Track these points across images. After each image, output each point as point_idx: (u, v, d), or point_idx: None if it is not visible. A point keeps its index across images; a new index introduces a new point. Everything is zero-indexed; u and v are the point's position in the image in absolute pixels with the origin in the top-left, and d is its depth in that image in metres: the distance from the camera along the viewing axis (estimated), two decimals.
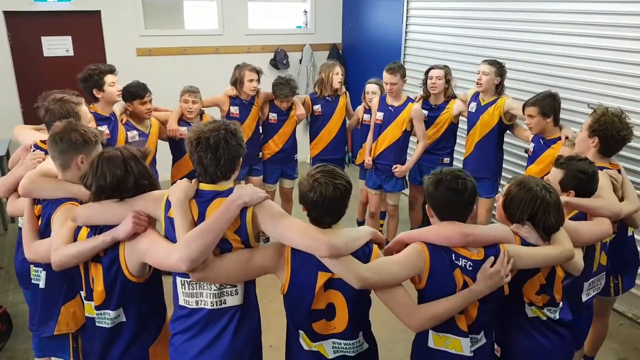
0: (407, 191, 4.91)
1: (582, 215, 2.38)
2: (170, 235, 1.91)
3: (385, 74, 4.13)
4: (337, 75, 4.48)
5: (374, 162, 4.37)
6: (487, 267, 1.87)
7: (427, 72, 4.33)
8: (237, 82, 4.33)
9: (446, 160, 4.42)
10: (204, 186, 1.92)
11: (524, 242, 2.03)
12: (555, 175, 2.39)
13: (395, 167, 4.27)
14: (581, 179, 2.33)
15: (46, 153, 2.44)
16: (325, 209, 1.86)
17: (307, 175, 1.90)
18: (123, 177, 1.93)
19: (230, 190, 1.90)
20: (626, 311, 3.89)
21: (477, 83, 4.02)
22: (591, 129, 2.67)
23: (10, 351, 3.43)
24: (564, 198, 2.26)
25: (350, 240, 1.85)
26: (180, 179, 4.16)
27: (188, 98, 4.05)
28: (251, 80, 4.29)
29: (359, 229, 1.96)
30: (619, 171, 2.71)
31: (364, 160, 4.54)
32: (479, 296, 1.87)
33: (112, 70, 3.56)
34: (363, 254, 1.88)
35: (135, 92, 3.80)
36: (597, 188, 2.39)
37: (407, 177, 4.56)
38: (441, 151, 4.41)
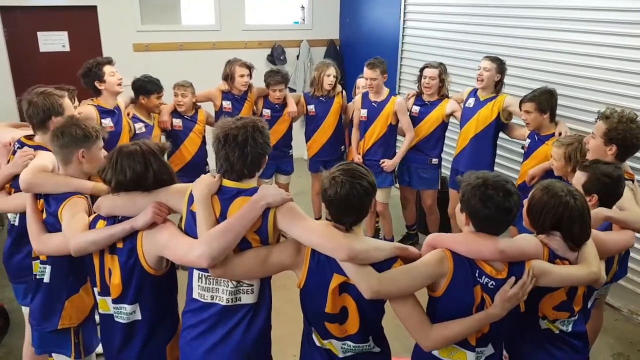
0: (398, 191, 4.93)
1: (607, 225, 2.33)
2: (190, 229, 1.91)
3: (365, 70, 4.14)
4: (328, 77, 4.41)
5: (363, 159, 4.38)
6: (506, 289, 1.79)
7: (421, 70, 4.31)
8: (228, 77, 4.33)
9: (434, 161, 4.40)
10: (227, 183, 1.92)
11: (552, 254, 1.95)
12: (579, 178, 2.35)
13: (383, 162, 4.29)
14: (605, 182, 2.27)
15: (35, 149, 2.44)
16: (342, 207, 1.83)
17: (330, 173, 1.88)
18: (143, 173, 1.94)
19: (253, 190, 1.89)
20: (622, 307, 3.91)
21: (477, 79, 4.01)
22: (607, 136, 2.60)
23: (8, 347, 3.42)
24: (604, 212, 2.23)
25: (372, 249, 1.81)
26: (177, 171, 4.24)
27: (177, 91, 4.11)
28: (242, 76, 4.28)
29: (385, 242, 1.92)
30: (633, 181, 2.66)
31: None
32: (495, 319, 1.81)
33: (109, 61, 3.60)
34: (384, 267, 1.82)
35: (152, 88, 3.90)
36: (622, 193, 2.33)
37: (395, 174, 4.56)
38: (430, 151, 4.38)
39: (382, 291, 1.78)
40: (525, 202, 2.08)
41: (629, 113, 2.65)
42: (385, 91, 4.24)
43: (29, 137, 2.55)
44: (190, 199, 1.91)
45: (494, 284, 1.82)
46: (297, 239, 1.89)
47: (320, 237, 1.81)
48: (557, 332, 2.05)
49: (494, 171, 4.20)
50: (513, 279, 1.81)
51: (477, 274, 1.82)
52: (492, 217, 1.80)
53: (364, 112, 4.29)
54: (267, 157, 1.97)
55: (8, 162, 2.52)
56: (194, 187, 1.91)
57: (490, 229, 1.84)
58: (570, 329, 2.06)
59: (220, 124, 1.93)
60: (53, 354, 2.49)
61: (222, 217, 1.87)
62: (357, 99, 4.36)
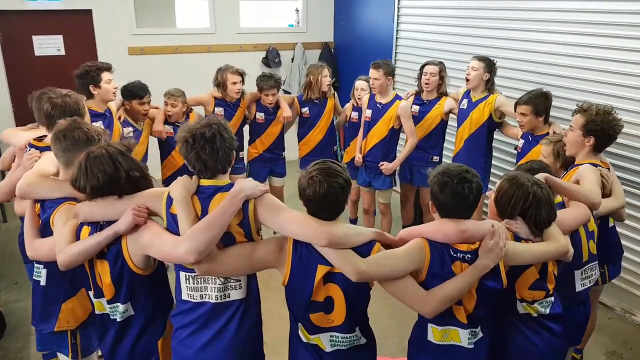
0: (398, 189, 4.96)
1: (560, 205, 2.42)
2: (173, 231, 1.93)
3: (370, 69, 4.18)
4: (325, 78, 4.49)
5: (363, 159, 4.41)
6: (487, 241, 1.89)
7: (422, 68, 4.36)
8: (220, 85, 4.33)
9: (435, 158, 4.44)
10: (204, 182, 1.96)
11: (516, 237, 2.06)
12: None
13: (382, 164, 4.30)
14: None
15: (41, 150, 2.45)
16: (321, 205, 1.89)
17: (306, 172, 1.93)
18: (114, 174, 1.94)
19: (230, 185, 1.93)
20: (615, 305, 3.94)
21: (465, 79, 4.06)
22: (586, 128, 2.69)
23: (4, 350, 3.42)
24: (543, 175, 2.30)
25: (352, 234, 1.88)
26: (170, 176, 4.26)
27: (167, 101, 4.08)
28: (234, 83, 4.28)
29: (364, 227, 1.99)
30: (609, 169, 2.75)
31: (352, 159, 4.58)
32: (484, 271, 1.88)
33: (108, 68, 3.61)
34: (364, 250, 1.89)
35: (135, 92, 3.87)
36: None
37: (396, 175, 4.59)
38: (431, 149, 4.42)
39: (368, 272, 1.84)
40: (492, 193, 2.19)
41: (604, 106, 2.75)
42: (392, 94, 4.25)
43: (39, 139, 2.56)
44: (169, 202, 1.94)
45: (470, 256, 1.91)
46: (278, 229, 1.94)
47: (301, 225, 1.87)
48: (535, 315, 2.12)
49: (490, 172, 4.27)
50: (492, 226, 1.90)
51: (452, 252, 1.92)
52: (448, 202, 1.92)
53: (368, 113, 4.30)
54: (234, 152, 2.02)
55: None
56: (172, 189, 1.94)
57: (450, 214, 1.95)
58: (548, 311, 2.13)
59: (184, 127, 1.98)
60: (57, 353, 2.54)
61: (204, 215, 1.90)
62: (365, 98, 4.38)
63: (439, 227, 1.95)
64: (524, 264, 2.03)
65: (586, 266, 2.51)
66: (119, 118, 3.85)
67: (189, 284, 1.96)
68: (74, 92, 2.63)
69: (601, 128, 2.66)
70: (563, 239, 2.09)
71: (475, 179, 1.93)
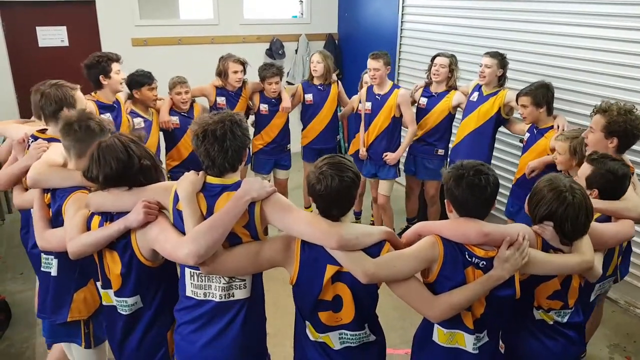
0: (403, 181, 4.96)
1: (606, 217, 2.33)
2: (178, 227, 1.92)
3: (369, 60, 4.19)
4: (312, 64, 4.55)
5: (367, 151, 4.41)
6: (503, 250, 1.83)
7: (432, 59, 4.35)
8: (221, 73, 4.33)
9: (440, 151, 4.44)
10: (211, 179, 1.93)
11: (546, 244, 1.98)
12: (584, 171, 2.37)
13: (386, 155, 4.32)
14: (608, 179, 2.28)
15: (48, 142, 2.45)
16: (331, 200, 1.85)
17: (315, 167, 1.89)
18: (128, 161, 1.95)
19: (237, 184, 1.90)
20: (619, 299, 3.94)
21: (480, 76, 4.03)
22: (608, 129, 2.60)
23: (9, 340, 3.45)
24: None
25: (361, 236, 1.84)
26: (175, 167, 4.24)
27: (180, 90, 4.07)
28: (235, 72, 4.28)
29: (374, 227, 1.95)
30: (632, 174, 2.64)
31: (356, 151, 4.58)
32: (498, 282, 1.82)
33: (118, 59, 3.63)
34: (374, 251, 1.87)
35: (143, 80, 3.89)
36: (625, 190, 2.33)
37: (400, 165, 4.59)
38: (437, 142, 4.41)
39: (377, 275, 1.82)
40: None
41: (624, 105, 2.67)
42: (389, 84, 4.27)
43: (42, 131, 2.56)
44: (176, 198, 1.92)
45: (485, 263, 1.86)
46: (286, 230, 1.91)
47: (310, 226, 1.84)
48: (551, 322, 2.08)
49: (490, 165, 4.25)
50: (509, 238, 1.84)
51: (467, 256, 1.86)
52: (466, 197, 1.85)
53: (368, 105, 4.32)
54: (247, 149, 1.98)
55: None
56: (178, 186, 1.91)
57: (469, 211, 1.89)
58: (565, 320, 2.08)
59: (198, 120, 1.95)
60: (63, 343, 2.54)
61: (209, 214, 1.87)
62: (362, 92, 4.40)
63: (459, 227, 1.88)
64: (541, 274, 1.95)
65: (606, 280, 2.47)
66: (126, 110, 3.85)
67: (194, 281, 1.95)
68: (67, 83, 2.60)
69: (624, 129, 2.57)
70: (590, 255, 1.97)
71: (491, 172, 1.87)
